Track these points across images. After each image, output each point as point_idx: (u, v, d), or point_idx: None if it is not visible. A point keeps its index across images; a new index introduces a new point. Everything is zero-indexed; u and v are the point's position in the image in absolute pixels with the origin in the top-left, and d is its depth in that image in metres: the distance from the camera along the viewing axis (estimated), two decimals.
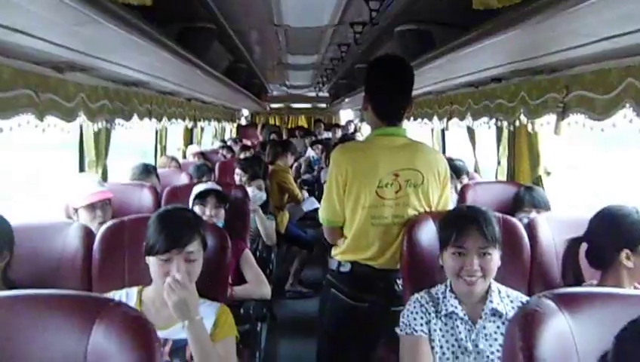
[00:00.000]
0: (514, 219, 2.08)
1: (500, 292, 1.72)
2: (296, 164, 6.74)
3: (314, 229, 4.83)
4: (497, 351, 1.64)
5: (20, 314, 1.07)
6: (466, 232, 1.66)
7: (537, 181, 3.11)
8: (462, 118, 3.81)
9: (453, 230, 1.68)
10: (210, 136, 8.59)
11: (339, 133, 9.10)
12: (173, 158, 4.79)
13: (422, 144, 2.15)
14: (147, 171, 3.49)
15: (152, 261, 1.66)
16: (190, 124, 5.86)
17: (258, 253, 3.38)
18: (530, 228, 2.08)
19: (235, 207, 2.81)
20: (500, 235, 1.69)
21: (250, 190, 3.27)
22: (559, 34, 1.75)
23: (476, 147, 4.39)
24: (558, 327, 1.11)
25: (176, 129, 5.94)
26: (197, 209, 2.59)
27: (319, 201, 2.36)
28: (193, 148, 6.22)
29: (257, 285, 2.54)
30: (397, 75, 2.09)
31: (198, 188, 2.68)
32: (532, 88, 2.65)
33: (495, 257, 1.67)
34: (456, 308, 1.69)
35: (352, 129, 9.87)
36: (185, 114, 5.16)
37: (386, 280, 2.08)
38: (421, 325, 1.70)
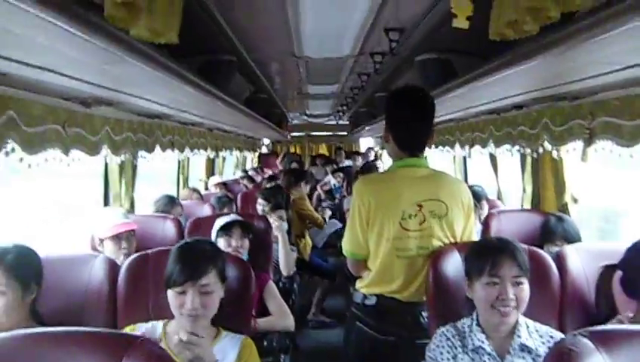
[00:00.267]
0: (541, 251, 2.04)
1: (528, 326, 1.68)
2: (316, 193, 6.71)
3: (335, 258, 4.81)
4: None
5: (49, 351, 1.08)
6: (500, 261, 1.63)
7: (563, 208, 3.05)
8: (484, 146, 3.78)
9: (488, 259, 1.65)
10: (232, 165, 8.67)
11: (359, 161, 9.09)
12: (195, 190, 4.84)
13: (445, 174, 2.13)
14: (172, 203, 3.54)
15: (169, 293, 1.67)
16: (212, 154, 5.92)
17: (281, 284, 3.36)
18: (560, 259, 2.04)
19: (258, 239, 2.80)
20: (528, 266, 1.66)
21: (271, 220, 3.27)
22: (580, 64, 1.74)
23: (499, 174, 4.35)
24: None
25: (198, 159, 6.01)
26: (222, 241, 2.59)
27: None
28: (215, 180, 6.27)
29: (281, 317, 2.51)
30: (418, 106, 2.08)
31: (221, 221, 2.68)
32: (555, 115, 2.63)
33: (527, 287, 1.64)
34: (483, 342, 1.65)
35: (372, 156, 9.86)
36: (207, 144, 5.21)
37: (412, 313, 2.04)
38: (447, 359, 1.66)
